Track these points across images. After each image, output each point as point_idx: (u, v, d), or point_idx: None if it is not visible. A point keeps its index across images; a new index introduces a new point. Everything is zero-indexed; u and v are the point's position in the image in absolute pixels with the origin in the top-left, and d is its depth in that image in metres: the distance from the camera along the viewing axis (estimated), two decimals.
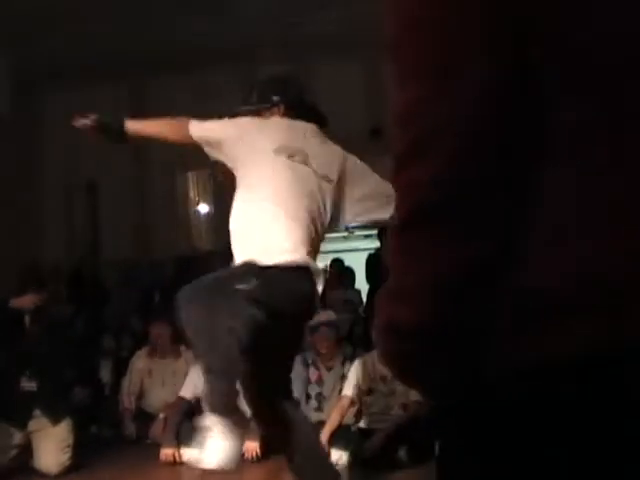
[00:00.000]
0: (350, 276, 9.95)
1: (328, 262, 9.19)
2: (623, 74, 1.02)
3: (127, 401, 7.52)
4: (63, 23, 11.76)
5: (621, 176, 1.02)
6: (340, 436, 6.10)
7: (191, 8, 11.69)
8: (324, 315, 6.56)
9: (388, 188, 3.96)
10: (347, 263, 9.78)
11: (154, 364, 7.61)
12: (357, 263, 9.91)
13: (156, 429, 7.01)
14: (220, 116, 4.19)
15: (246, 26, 12.10)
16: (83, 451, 6.32)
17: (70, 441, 6.14)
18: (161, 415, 7.07)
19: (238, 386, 3.79)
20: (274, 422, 4.01)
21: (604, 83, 1.03)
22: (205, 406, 3.79)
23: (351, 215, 4.07)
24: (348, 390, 6.38)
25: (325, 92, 10.10)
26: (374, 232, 10.11)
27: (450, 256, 1.04)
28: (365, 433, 6.05)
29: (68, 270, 11.78)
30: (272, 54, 11.58)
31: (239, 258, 3.80)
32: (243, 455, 6.14)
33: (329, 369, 6.79)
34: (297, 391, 6.67)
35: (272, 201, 3.78)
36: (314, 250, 3.85)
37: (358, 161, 4.13)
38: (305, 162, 3.92)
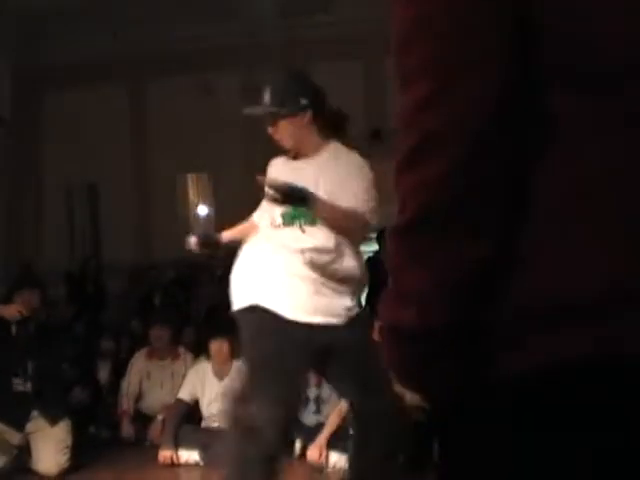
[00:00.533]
0: None
1: None
2: (626, 73, 1.02)
3: (125, 403, 7.50)
4: (67, 24, 11.77)
5: (625, 176, 1.02)
6: (339, 439, 6.08)
7: (192, 8, 11.70)
8: None
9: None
10: None
11: (153, 366, 7.60)
12: None
13: (154, 431, 7.00)
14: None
15: (247, 27, 12.12)
16: (81, 452, 6.31)
17: (68, 442, 6.13)
18: (159, 417, 7.05)
19: None
20: None
21: (607, 82, 1.02)
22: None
23: None
24: None
25: (325, 92, 10.07)
26: (373, 235, 10.08)
27: (457, 258, 1.04)
28: None
29: (68, 272, 11.78)
30: (272, 55, 11.58)
31: None
32: None
33: None
34: None
35: None
36: None
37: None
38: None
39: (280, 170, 3.81)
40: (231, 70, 12.62)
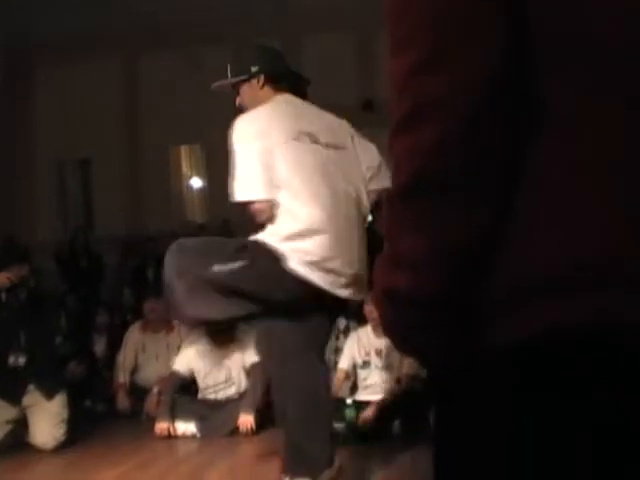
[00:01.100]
0: None
1: None
2: (626, 57, 1.01)
3: (121, 376, 7.53)
4: None
5: (619, 156, 1.02)
6: (335, 409, 6.11)
7: None
8: None
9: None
10: None
11: (148, 338, 7.62)
12: None
13: (150, 403, 7.02)
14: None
15: (240, 1, 12.07)
16: (77, 426, 6.32)
17: (65, 416, 6.14)
18: (155, 389, 7.07)
19: None
20: None
21: (604, 61, 1.02)
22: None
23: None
24: (343, 363, 6.40)
25: (317, 64, 10.07)
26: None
27: (451, 223, 1.04)
28: (360, 406, 6.07)
29: (62, 246, 11.77)
30: (264, 27, 11.54)
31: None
32: (237, 428, 6.16)
33: None
34: None
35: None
36: None
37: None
38: (316, 141, 3.87)
39: None
40: (222, 43, 12.56)
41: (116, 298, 9.76)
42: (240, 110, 4.02)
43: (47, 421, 6.05)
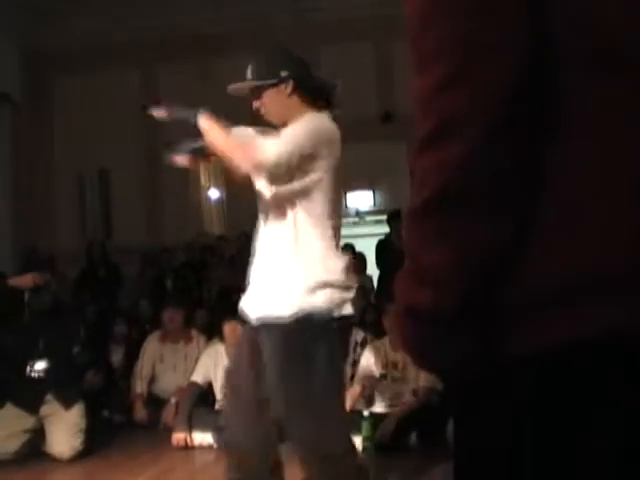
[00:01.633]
0: (361, 262, 9.94)
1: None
2: None
3: (139, 386, 7.53)
4: (77, 8, 11.75)
5: (638, 168, 1.02)
6: (352, 422, 6.11)
7: None
8: None
9: None
10: (358, 249, 9.76)
11: (166, 349, 7.63)
12: (368, 249, 9.90)
13: (168, 414, 7.03)
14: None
15: (256, 10, 12.09)
16: (95, 436, 6.34)
17: (82, 426, 6.16)
18: (173, 400, 7.08)
19: None
20: None
21: (626, 66, 1.02)
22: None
23: None
24: (360, 376, 6.39)
25: (335, 76, 10.07)
26: (384, 217, 10.09)
27: (475, 239, 1.04)
28: (377, 418, 6.06)
29: (80, 256, 11.80)
30: (282, 37, 11.55)
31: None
32: None
33: None
34: None
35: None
36: None
37: None
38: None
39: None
40: (241, 54, 12.59)
41: (134, 308, 9.77)
42: (258, 116, 3.84)
43: (65, 431, 6.06)
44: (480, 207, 1.04)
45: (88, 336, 7.65)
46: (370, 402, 6.38)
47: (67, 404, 6.13)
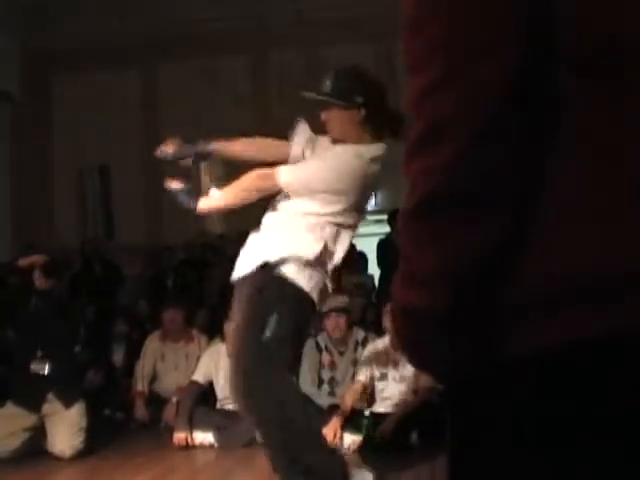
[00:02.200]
0: (363, 261, 9.96)
1: None
2: None
3: (140, 385, 7.54)
4: (77, 6, 11.76)
5: (638, 166, 1.02)
6: (353, 421, 6.12)
7: None
8: (337, 300, 6.57)
9: None
10: (359, 248, 9.77)
11: (167, 348, 7.63)
12: (369, 248, 9.91)
13: (169, 413, 7.03)
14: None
15: (259, 10, 12.09)
16: (96, 435, 6.34)
17: (83, 424, 6.16)
18: (174, 399, 7.08)
19: None
20: None
21: (625, 69, 1.02)
22: None
23: None
24: (361, 375, 6.39)
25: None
26: (384, 217, 10.09)
27: (466, 240, 1.04)
28: (377, 418, 6.06)
29: (80, 253, 11.79)
30: (283, 39, 11.57)
31: None
32: (255, 439, 6.16)
33: (341, 354, 6.81)
34: (310, 376, 6.68)
35: None
36: None
37: None
38: None
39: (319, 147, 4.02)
40: (242, 53, 12.59)
41: (134, 307, 9.77)
42: (323, 130, 3.95)
43: (65, 430, 6.07)
44: (468, 211, 1.04)
45: (88, 335, 7.66)
46: (370, 401, 6.39)
47: (68, 403, 6.13)
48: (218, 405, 6.78)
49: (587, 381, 1.01)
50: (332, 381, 6.74)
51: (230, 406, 6.65)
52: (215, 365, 6.74)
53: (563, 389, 1.02)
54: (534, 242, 1.04)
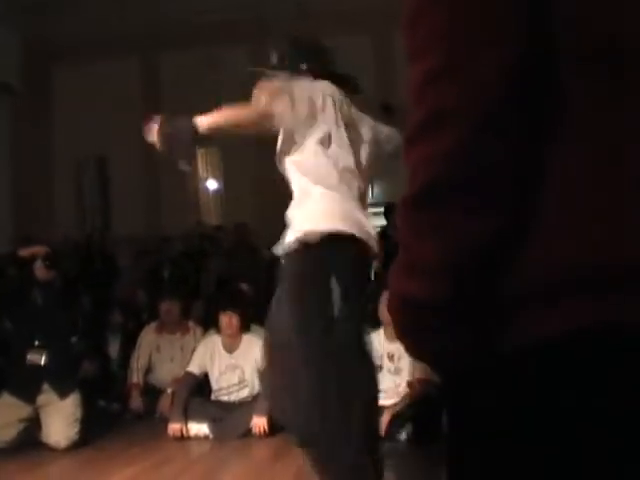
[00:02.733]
0: None
1: None
2: None
3: (135, 376, 7.55)
4: None
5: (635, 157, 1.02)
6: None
7: None
8: None
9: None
10: None
11: (162, 340, 7.64)
12: None
13: (164, 404, 7.04)
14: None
15: (258, 1, 12.08)
16: (91, 426, 6.35)
17: (78, 415, 6.17)
18: (169, 390, 7.09)
19: None
20: None
21: (625, 69, 1.02)
22: None
23: None
24: None
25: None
26: (380, 210, 10.10)
27: (464, 231, 1.04)
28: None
29: (78, 245, 11.80)
30: (284, 28, 11.55)
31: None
32: (250, 430, 6.17)
33: None
34: None
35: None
36: None
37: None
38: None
39: None
40: (240, 44, 12.59)
41: (131, 298, 9.78)
42: None
43: (60, 420, 6.07)
44: (468, 200, 1.04)
45: (84, 326, 7.66)
46: None
47: (63, 393, 6.13)
48: (213, 396, 6.78)
49: (587, 371, 1.01)
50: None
51: (225, 398, 6.67)
52: (210, 356, 6.74)
53: (563, 379, 1.03)
54: (534, 233, 1.04)
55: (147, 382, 7.60)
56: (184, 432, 6.39)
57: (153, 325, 7.80)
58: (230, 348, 6.72)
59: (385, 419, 5.86)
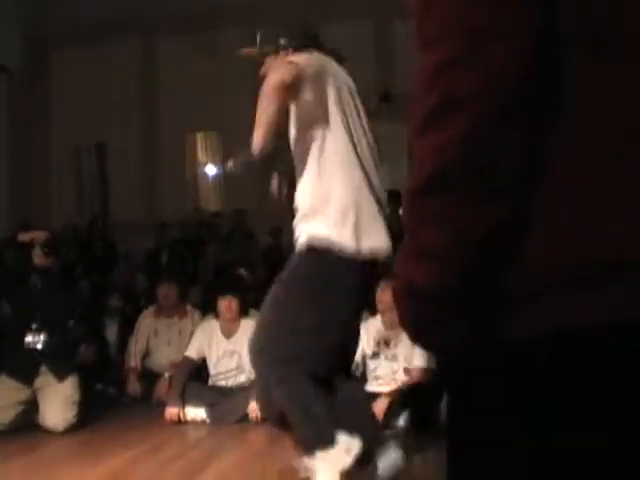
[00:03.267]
0: None
1: None
2: None
3: (133, 360, 7.56)
4: None
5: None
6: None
7: None
8: None
9: None
10: None
11: (160, 324, 7.64)
12: None
13: (161, 388, 7.05)
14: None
15: None
16: (88, 409, 6.36)
17: (76, 398, 6.17)
18: (166, 374, 7.10)
19: None
20: None
21: (632, 49, 1.02)
22: None
23: None
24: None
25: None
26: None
27: (471, 220, 1.04)
28: (369, 397, 6.06)
29: (78, 230, 11.80)
30: (282, 16, 11.52)
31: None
32: (247, 415, 6.18)
33: None
34: None
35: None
36: None
37: None
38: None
39: None
40: (241, 30, 12.54)
41: (129, 283, 9.78)
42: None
43: (58, 403, 6.07)
44: (477, 188, 1.04)
45: (82, 310, 7.66)
46: (363, 380, 6.39)
47: (60, 376, 6.14)
48: (210, 381, 6.79)
49: (586, 367, 1.02)
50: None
51: (222, 383, 6.68)
52: (208, 341, 6.75)
53: (562, 375, 1.03)
54: (536, 227, 1.04)
55: (145, 366, 7.60)
56: (181, 416, 6.40)
57: (151, 309, 7.80)
58: (228, 333, 6.73)
59: (382, 406, 5.87)
